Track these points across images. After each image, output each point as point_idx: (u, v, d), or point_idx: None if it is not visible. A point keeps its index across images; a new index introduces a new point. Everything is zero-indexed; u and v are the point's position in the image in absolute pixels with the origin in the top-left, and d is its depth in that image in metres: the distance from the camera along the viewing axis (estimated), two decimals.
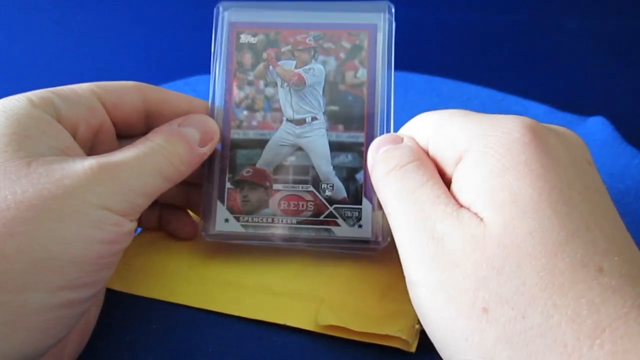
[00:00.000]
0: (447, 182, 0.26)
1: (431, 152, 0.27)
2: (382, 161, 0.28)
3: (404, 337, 0.28)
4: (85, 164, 0.24)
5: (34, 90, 0.28)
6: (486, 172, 0.23)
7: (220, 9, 0.32)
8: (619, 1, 0.51)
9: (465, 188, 0.24)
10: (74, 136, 0.28)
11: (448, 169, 0.26)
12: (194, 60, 0.41)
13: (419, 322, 0.28)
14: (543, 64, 0.48)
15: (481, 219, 0.22)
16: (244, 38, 0.32)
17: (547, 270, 0.20)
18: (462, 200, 0.24)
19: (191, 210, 0.35)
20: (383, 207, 0.27)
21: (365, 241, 0.30)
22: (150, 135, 0.29)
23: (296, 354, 0.29)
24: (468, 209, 0.23)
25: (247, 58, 0.32)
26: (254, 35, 0.32)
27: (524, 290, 0.20)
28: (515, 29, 0.49)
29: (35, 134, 0.25)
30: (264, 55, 0.32)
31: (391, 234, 0.30)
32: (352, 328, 0.28)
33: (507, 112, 0.41)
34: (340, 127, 0.31)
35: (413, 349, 0.28)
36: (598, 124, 0.42)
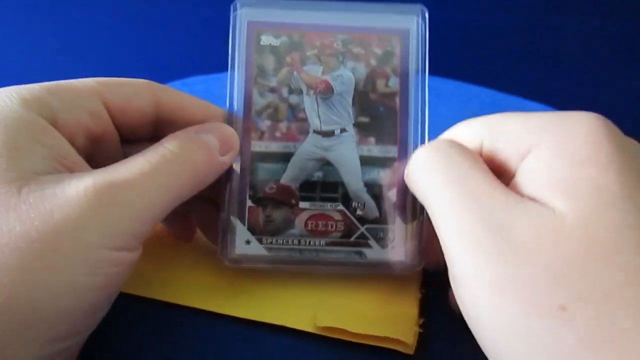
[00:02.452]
0: (507, 180, 0.24)
1: (487, 150, 0.25)
2: (417, 151, 0.26)
3: (403, 339, 0.27)
4: (80, 188, 0.21)
5: (29, 85, 0.24)
6: (564, 162, 0.22)
7: (238, 6, 0.29)
8: (619, 1, 0.51)
9: (536, 180, 0.22)
10: (72, 143, 0.24)
11: (510, 164, 0.24)
12: (192, 61, 0.39)
13: (418, 324, 0.28)
14: (543, 64, 0.47)
15: (553, 210, 0.20)
16: (265, 40, 0.29)
17: (634, 267, 0.19)
18: (526, 192, 0.22)
19: (198, 226, 0.31)
20: (422, 199, 0.25)
21: (398, 264, 0.28)
22: (164, 141, 0.25)
23: (293, 356, 0.28)
24: (534, 199, 0.21)
25: (269, 62, 0.29)
26: (277, 37, 0.29)
27: (610, 290, 0.18)
28: (515, 29, 0.48)
29: (28, 143, 0.22)
30: (288, 59, 0.29)
31: (424, 257, 0.29)
32: (351, 330, 0.27)
33: (507, 111, 0.41)
34: (372, 140, 0.29)
35: (412, 351, 0.27)
36: None
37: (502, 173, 0.25)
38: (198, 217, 0.31)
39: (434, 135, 0.28)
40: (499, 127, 0.25)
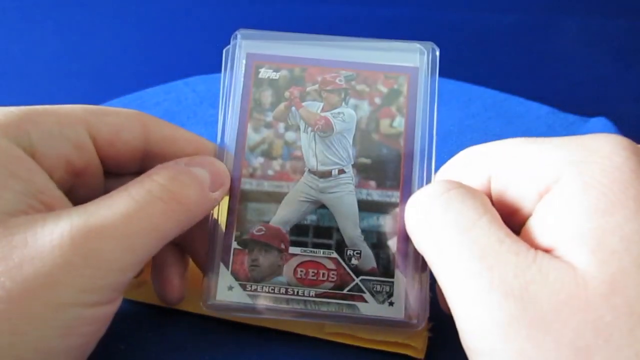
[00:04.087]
0: (522, 220, 0.22)
1: (497, 187, 0.23)
2: (415, 195, 0.23)
3: (413, 344, 0.26)
4: (55, 236, 0.19)
5: (6, 108, 0.22)
6: (587, 208, 0.19)
7: (239, 37, 0.28)
8: (619, 1, 0.51)
9: (556, 228, 0.19)
10: (50, 176, 0.22)
11: (526, 203, 0.21)
12: (194, 60, 0.38)
13: (427, 329, 0.27)
14: (544, 65, 0.47)
15: (575, 269, 0.18)
16: (264, 73, 0.28)
17: None
18: (541, 240, 0.20)
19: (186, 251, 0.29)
20: (422, 252, 0.22)
21: (397, 322, 0.25)
22: (152, 173, 0.23)
23: None
24: (549, 251, 0.19)
25: (267, 96, 0.27)
26: (276, 71, 0.28)
27: None
28: (515, 29, 0.48)
29: (1, 177, 0.20)
30: (287, 93, 0.27)
31: (427, 314, 0.26)
32: (361, 335, 0.26)
33: (509, 112, 0.41)
34: (372, 183, 0.27)
35: (422, 356, 0.26)
36: (600, 125, 0.41)
37: (516, 211, 0.22)
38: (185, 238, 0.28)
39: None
40: (512, 158, 0.22)
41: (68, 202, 0.22)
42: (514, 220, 0.22)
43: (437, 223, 0.21)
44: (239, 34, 0.28)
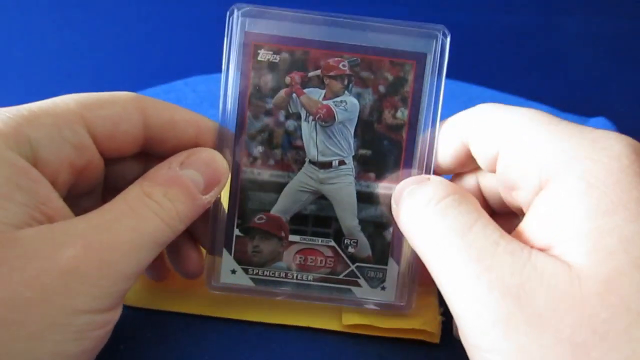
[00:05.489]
0: (520, 199, 0.22)
1: (503, 163, 0.23)
2: (410, 198, 0.24)
3: (428, 330, 0.27)
4: (69, 249, 0.20)
5: (3, 114, 0.22)
6: (587, 208, 0.19)
7: (236, 14, 0.26)
8: (619, 1, 0.51)
9: (553, 225, 0.20)
10: (54, 182, 0.22)
11: (527, 185, 0.22)
12: (194, 60, 0.37)
13: (441, 314, 0.28)
14: (544, 65, 0.48)
15: (570, 267, 0.19)
16: (264, 55, 0.26)
17: None
18: (539, 237, 0.20)
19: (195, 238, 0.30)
20: (420, 255, 0.23)
21: (388, 305, 0.28)
22: (145, 186, 0.23)
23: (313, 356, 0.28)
24: (546, 249, 0.20)
25: (266, 81, 0.26)
26: (276, 53, 0.26)
27: None
28: (515, 29, 0.48)
29: (6, 190, 0.20)
30: (287, 79, 0.26)
31: (416, 297, 0.28)
32: (378, 325, 0.28)
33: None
34: (372, 175, 0.27)
35: (437, 340, 0.28)
36: (600, 125, 0.41)
37: (516, 189, 0.23)
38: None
39: None
40: (521, 141, 0.22)
41: (69, 211, 0.23)
42: (513, 196, 0.23)
43: (435, 229, 0.22)
44: (237, 10, 0.26)
